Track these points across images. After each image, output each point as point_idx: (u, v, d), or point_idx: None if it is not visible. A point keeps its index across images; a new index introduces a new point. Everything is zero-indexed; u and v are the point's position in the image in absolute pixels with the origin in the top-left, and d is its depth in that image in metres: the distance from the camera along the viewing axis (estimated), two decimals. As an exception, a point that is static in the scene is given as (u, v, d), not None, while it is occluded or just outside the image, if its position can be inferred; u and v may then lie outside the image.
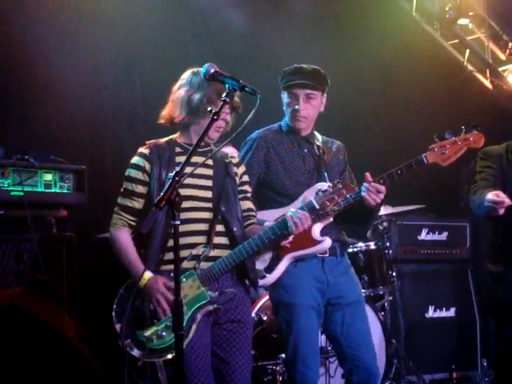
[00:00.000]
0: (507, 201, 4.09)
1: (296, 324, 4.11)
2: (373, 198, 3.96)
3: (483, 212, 4.28)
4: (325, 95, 4.30)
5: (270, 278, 4.03)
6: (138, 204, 3.70)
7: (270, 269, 3.99)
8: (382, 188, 3.96)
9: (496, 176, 4.47)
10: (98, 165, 5.51)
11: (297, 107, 4.20)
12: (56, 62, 5.65)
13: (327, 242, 3.88)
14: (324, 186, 4.08)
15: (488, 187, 4.35)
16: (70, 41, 5.76)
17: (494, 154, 4.45)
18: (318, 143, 4.34)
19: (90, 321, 4.93)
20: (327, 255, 4.19)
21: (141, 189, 3.69)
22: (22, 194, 4.31)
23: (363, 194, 3.97)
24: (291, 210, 3.72)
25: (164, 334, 3.49)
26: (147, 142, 3.78)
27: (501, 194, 4.16)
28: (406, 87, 7.59)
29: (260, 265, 3.95)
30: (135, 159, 3.74)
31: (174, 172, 3.08)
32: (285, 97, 4.29)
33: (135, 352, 3.52)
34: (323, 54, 6.66)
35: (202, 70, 3.40)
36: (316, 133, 4.40)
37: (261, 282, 3.98)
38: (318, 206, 3.72)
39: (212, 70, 3.34)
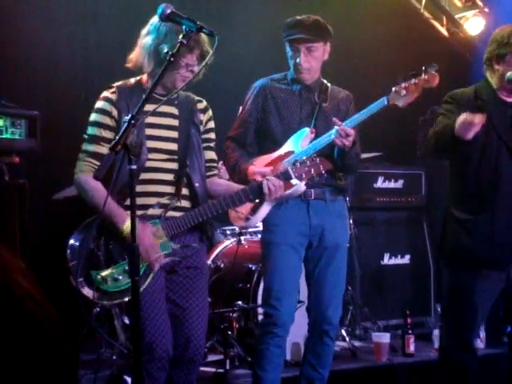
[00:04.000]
0: (477, 121, 3.85)
1: (272, 260, 4.21)
2: (341, 141, 3.99)
3: (448, 138, 3.98)
4: (328, 43, 4.32)
5: (254, 220, 4.07)
6: (105, 150, 3.50)
7: (253, 211, 4.01)
8: (350, 131, 3.99)
9: None
10: (51, 111, 5.39)
11: (298, 60, 4.22)
12: (7, 6, 5.50)
13: (300, 186, 3.84)
14: (306, 131, 4.10)
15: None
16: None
17: (462, 98, 4.23)
18: (320, 91, 4.35)
19: (44, 266, 4.88)
20: (312, 198, 4.23)
21: (108, 134, 3.55)
22: (-29, 139, 4.19)
23: (333, 136, 4.01)
24: (268, 177, 3.69)
25: (120, 277, 3.44)
26: (114, 85, 3.62)
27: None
28: (361, 33, 7.53)
29: (243, 208, 3.97)
30: (100, 104, 3.59)
31: (130, 115, 3.00)
32: (288, 49, 4.29)
33: (86, 291, 3.43)
34: (283, 5, 6.57)
35: (157, 10, 3.28)
36: (324, 81, 4.41)
37: (244, 224, 4.12)
38: (293, 177, 3.70)
39: (168, 11, 3.22)
